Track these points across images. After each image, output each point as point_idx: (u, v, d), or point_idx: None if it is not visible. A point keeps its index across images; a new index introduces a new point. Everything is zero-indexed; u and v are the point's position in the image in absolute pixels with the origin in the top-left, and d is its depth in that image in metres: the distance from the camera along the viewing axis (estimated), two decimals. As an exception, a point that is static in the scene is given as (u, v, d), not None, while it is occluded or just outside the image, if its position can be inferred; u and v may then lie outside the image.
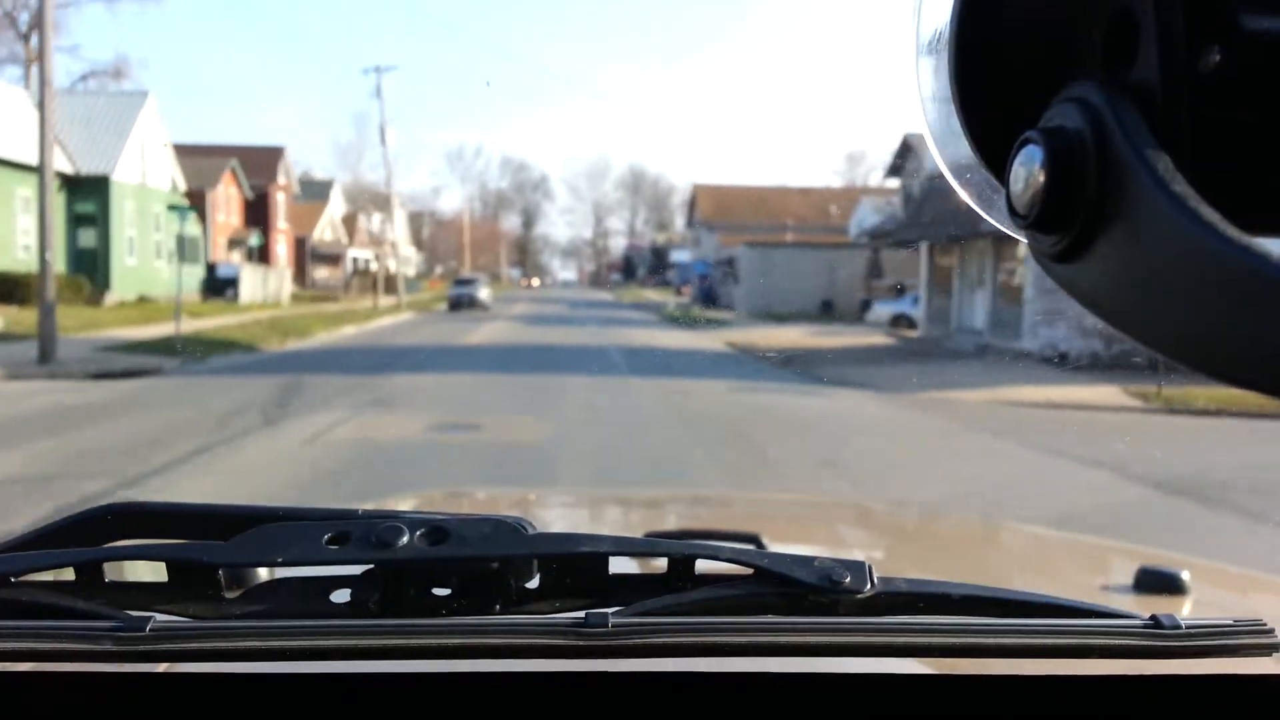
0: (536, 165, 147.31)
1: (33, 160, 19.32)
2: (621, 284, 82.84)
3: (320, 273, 50.47)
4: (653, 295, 61.28)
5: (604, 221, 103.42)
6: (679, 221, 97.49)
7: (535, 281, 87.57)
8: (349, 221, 61.15)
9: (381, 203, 45.66)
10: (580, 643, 0.69)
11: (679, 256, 77.54)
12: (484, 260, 76.21)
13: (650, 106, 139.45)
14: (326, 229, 52.18)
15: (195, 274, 31.28)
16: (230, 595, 0.77)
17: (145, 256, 30.30)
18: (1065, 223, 0.36)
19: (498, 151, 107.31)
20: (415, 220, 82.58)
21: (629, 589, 0.78)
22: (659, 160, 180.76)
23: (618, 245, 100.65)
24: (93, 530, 0.80)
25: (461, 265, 66.75)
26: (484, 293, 37.06)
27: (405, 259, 79.97)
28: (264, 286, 33.99)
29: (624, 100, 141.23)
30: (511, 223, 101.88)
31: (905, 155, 33.39)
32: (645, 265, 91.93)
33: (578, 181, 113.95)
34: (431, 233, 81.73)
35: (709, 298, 46.46)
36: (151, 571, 0.81)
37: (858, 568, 0.74)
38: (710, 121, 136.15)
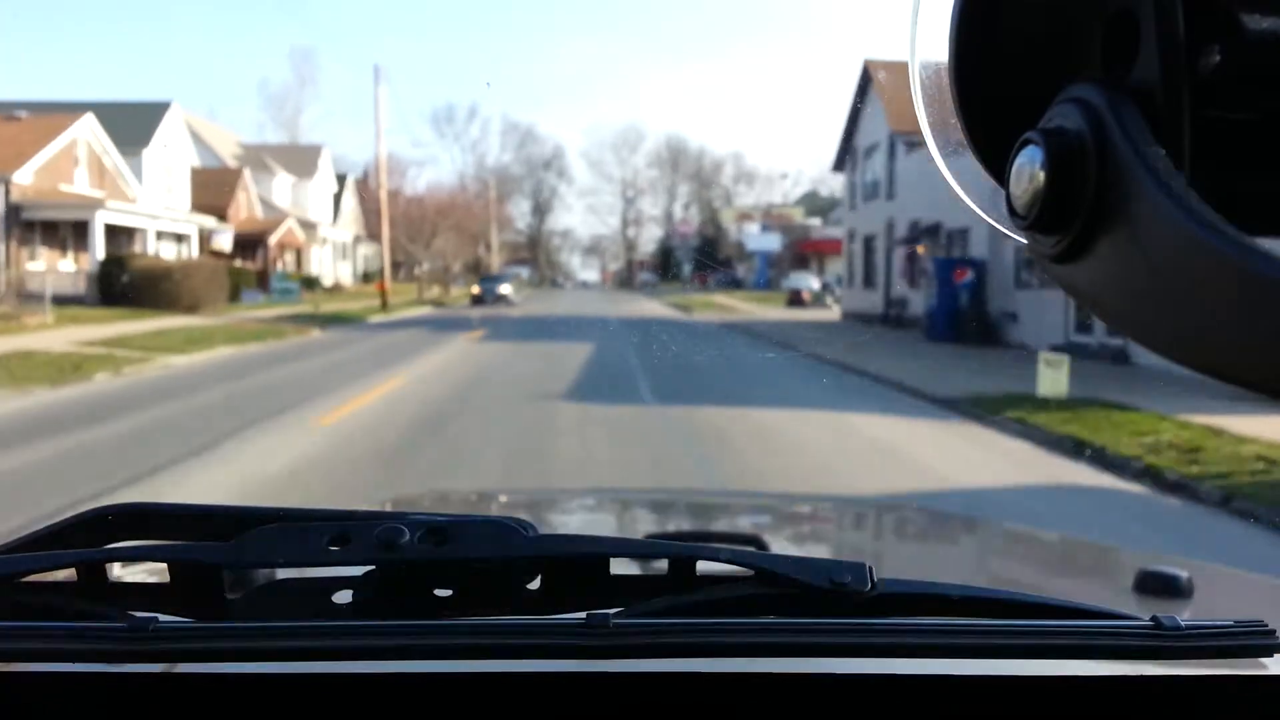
0: (549, 136, 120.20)
1: None
2: (655, 284, 56.31)
3: (57, 257, 23.71)
4: (737, 302, 33.42)
5: (635, 205, 76.75)
6: (738, 200, 69.19)
7: (506, 289, 37.82)
8: (212, 180, 34.55)
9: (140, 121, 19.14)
10: (582, 643, 0.69)
11: (759, 243, 49.48)
12: (447, 245, 48.25)
13: (691, 64, 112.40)
14: (82, 173, 25.26)
15: None
16: (233, 596, 0.78)
17: None
18: (1065, 223, 0.35)
19: (498, 114, 79.89)
20: (389, 199, 56.75)
21: (630, 590, 0.78)
22: (702, 129, 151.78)
23: (650, 237, 74.17)
24: (94, 531, 0.80)
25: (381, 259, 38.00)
26: None
27: (341, 245, 50.81)
28: None
29: (660, 54, 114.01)
30: (520, 209, 74.56)
31: None
32: (692, 259, 63.48)
33: (602, 155, 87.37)
34: (403, 213, 55.25)
35: (962, 314, 18.54)
36: (154, 572, 0.80)
37: (858, 568, 0.75)
38: (763, 86, 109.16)
